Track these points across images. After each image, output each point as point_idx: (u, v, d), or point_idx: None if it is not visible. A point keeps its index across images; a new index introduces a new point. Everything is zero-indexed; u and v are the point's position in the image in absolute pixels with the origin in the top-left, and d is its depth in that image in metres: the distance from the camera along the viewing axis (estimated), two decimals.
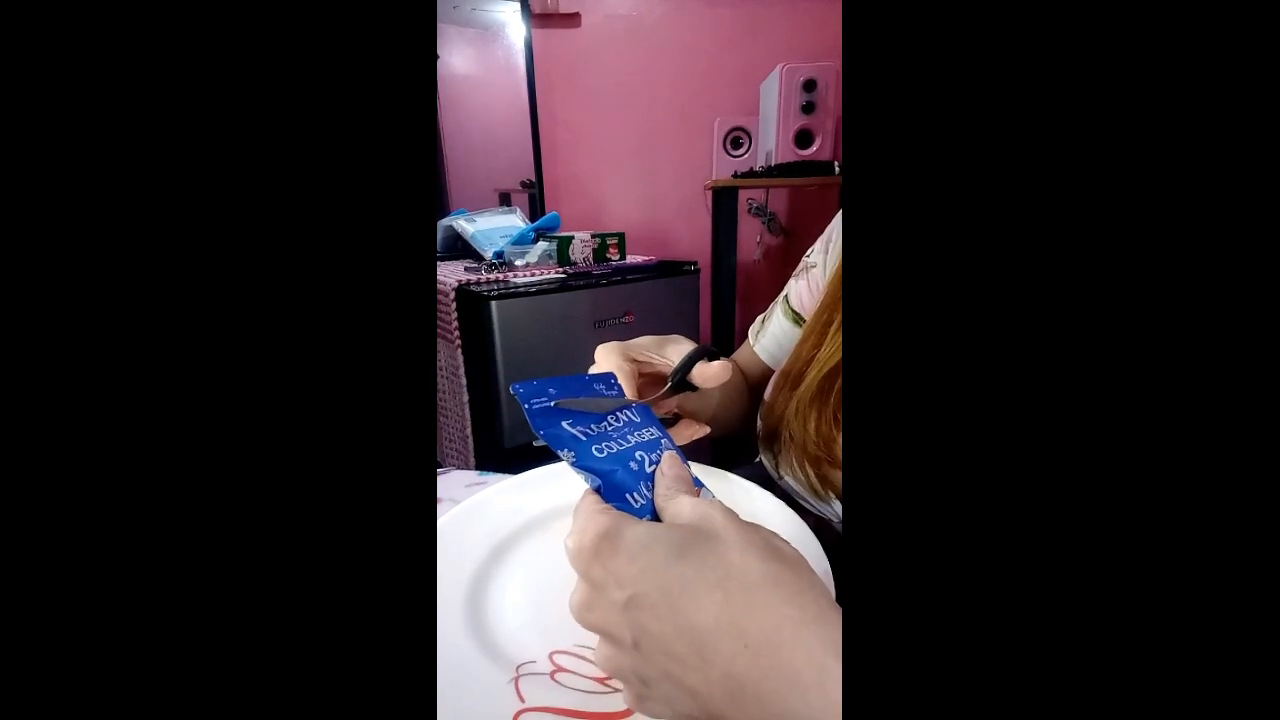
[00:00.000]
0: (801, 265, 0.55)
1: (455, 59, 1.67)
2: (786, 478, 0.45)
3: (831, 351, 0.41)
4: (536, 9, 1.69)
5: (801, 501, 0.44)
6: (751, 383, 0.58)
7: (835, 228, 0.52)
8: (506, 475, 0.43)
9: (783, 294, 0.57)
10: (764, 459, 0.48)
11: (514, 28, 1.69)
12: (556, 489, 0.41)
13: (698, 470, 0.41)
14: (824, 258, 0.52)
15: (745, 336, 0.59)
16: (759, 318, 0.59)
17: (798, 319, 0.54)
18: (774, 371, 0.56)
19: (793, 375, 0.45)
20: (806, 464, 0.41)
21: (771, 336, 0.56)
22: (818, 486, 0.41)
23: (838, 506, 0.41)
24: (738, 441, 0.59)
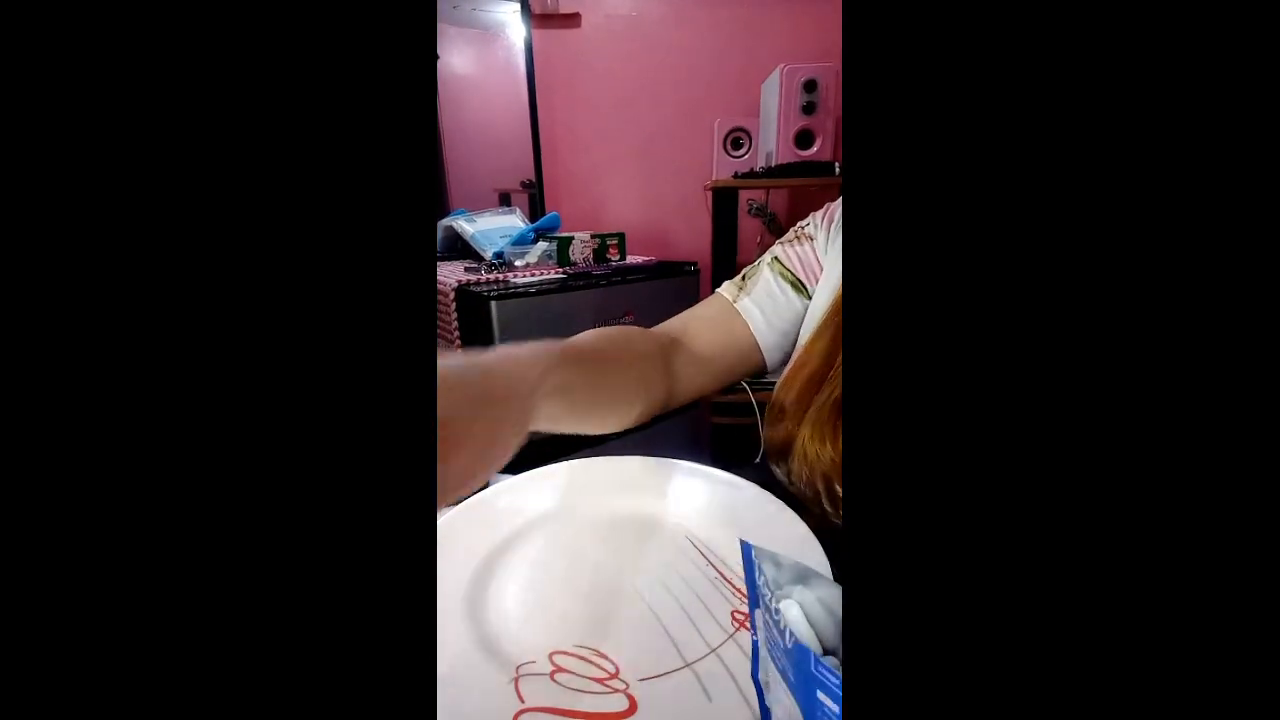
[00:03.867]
0: (795, 234, 0.52)
1: (455, 59, 1.67)
2: (799, 484, 0.44)
3: None
4: (536, 9, 1.69)
5: (813, 508, 0.44)
6: (708, 349, 0.49)
7: (839, 209, 0.49)
8: (507, 475, 0.43)
9: (769, 257, 0.52)
10: (776, 472, 0.47)
11: (514, 28, 1.69)
12: (557, 489, 0.41)
13: (699, 471, 0.41)
14: (825, 234, 0.49)
15: None
16: (733, 279, 0.53)
17: (796, 283, 0.50)
18: (752, 339, 0.50)
19: (801, 386, 0.44)
20: (818, 481, 0.41)
21: (762, 299, 0.50)
22: (829, 505, 0.41)
23: None
24: (738, 442, 0.58)
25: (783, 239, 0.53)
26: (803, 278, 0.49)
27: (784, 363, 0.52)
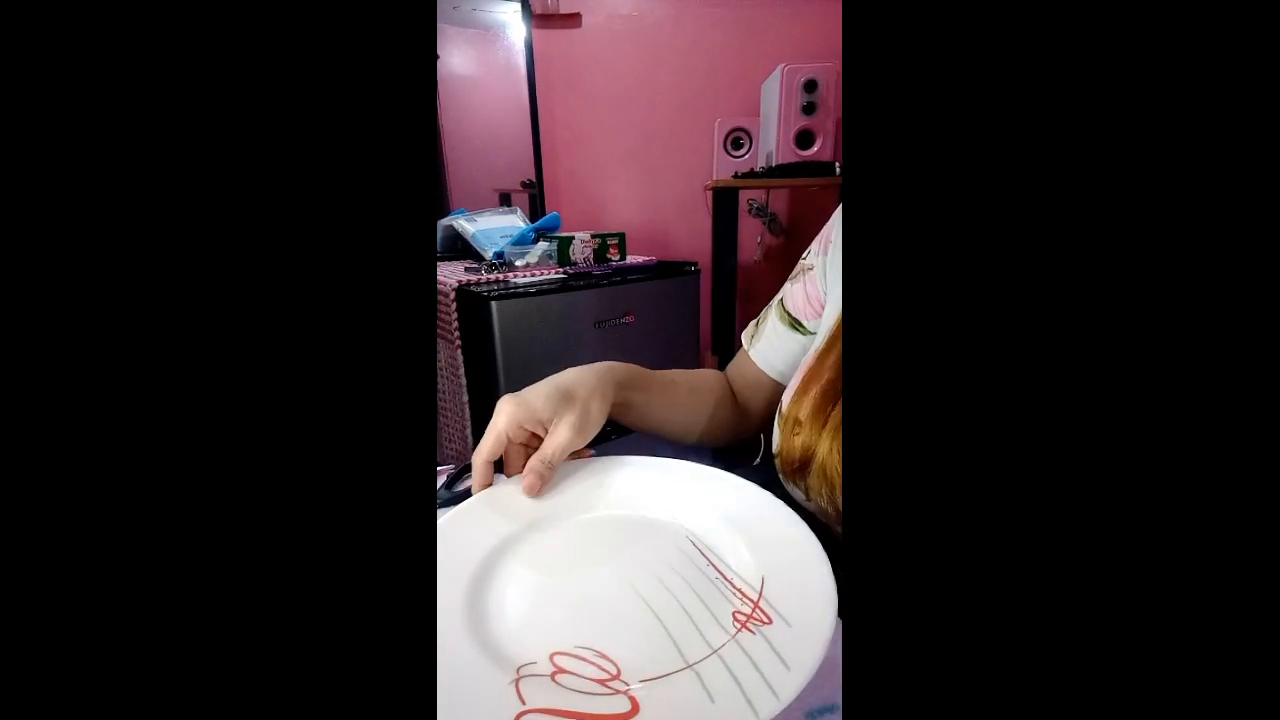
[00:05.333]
0: (798, 269, 0.54)
1: (455, 59, 1.67)
2: (818, 501, 0.44)
3: None
4: (537, 9, 1.69)
5: (834, 526, 0.43)
6: (744, 391, 0.58)
7: (835, 226, 0.50)
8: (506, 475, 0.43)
9: (777, 298, 0.56)
10: (792, 491, 0.47)
11: (514, 28, 1.69)
12: (557, 489, 0.41)
13: (699, 471, 0.41)
14: (822, 259, 0.51)
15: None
16: (752, 323, 0.59)
17: (794, 324, 0.53)
18: (771, 379, 0.55)
19: (817, 399, 0.43)
20: (839, 498, 0.41)
21: (767, 342, 0.55)
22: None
23: None
24: (738, 449, 0.59)
25: (792, 274, 0.55)
26: (801, 317, 0.53)
27: None
